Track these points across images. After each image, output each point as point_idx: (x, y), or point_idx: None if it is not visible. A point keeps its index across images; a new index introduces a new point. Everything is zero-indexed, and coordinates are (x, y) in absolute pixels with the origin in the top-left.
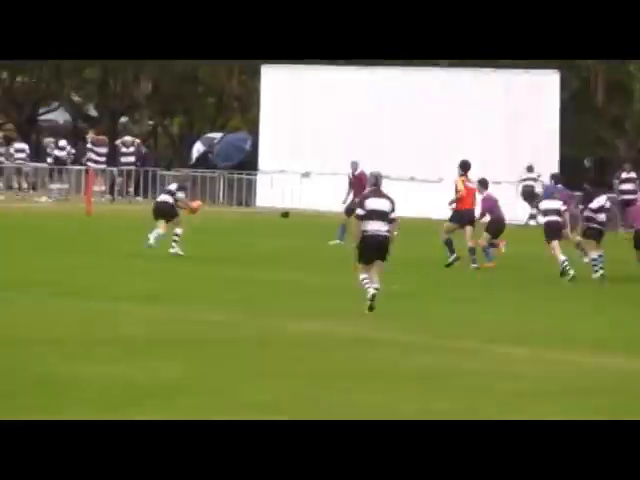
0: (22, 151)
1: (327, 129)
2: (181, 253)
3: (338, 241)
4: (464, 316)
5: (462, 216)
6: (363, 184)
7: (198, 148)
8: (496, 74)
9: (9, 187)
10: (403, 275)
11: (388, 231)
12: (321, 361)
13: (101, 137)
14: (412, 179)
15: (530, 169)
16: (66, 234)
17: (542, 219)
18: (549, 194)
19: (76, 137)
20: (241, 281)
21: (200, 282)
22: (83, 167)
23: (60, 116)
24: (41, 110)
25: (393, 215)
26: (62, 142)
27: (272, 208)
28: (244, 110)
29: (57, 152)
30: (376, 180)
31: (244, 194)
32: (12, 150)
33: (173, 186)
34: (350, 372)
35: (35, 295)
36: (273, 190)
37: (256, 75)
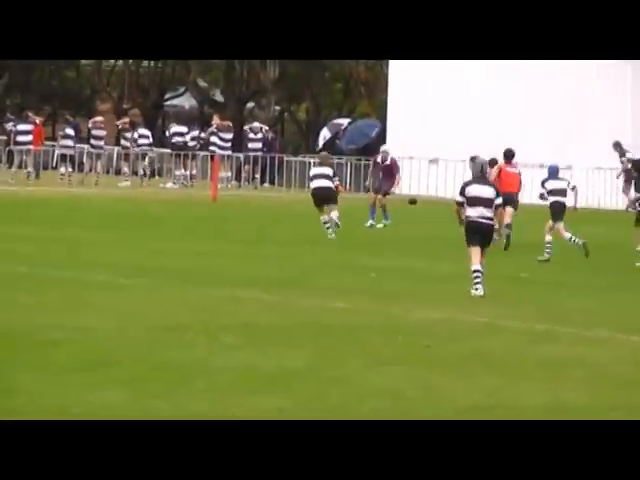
0: (146, 137)
1: (455, 115)
2: (334, 236)
3: (371, 222)
4: (583, 303)
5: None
6: (393, 173)
7: (324, 134)
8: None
9: (134, 173)
10: (520, 260)
11: (491, 218)
12: (446, 349)
13: (226, 123)
14: (541, 166)
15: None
16: (191, 220)
17: None
18: None
19: (202, 122)
20: (367, 268)
21: (325, 269)
22: (209, 153)
23: (186, 101)
24: (167, 95)
25: (497, 201)
26: (176, 128)
27: (399, 194)
28: (371, 95)
29: (173, 139)
30: (482, 168)
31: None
32: (136, 135)
33: (329, 170)
34: (475, 360)
35: (158, 281)
36: (401, 176)
37: (384, 59)
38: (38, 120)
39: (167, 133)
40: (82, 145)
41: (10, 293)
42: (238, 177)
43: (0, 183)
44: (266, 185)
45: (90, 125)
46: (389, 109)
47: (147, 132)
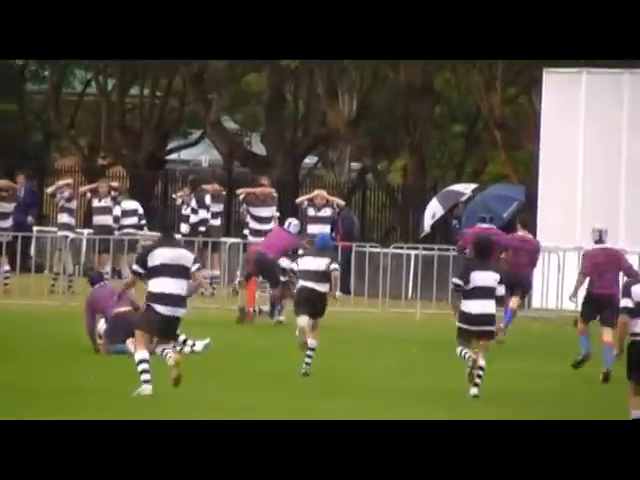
0: (133, 213)
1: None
2: None
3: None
4: None
5: None
6: None
7: (434, 210)
8: None
9: (116, 271)
10: None
11: None
12: None
13: (264, 191)
14: None
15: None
16: (211, 355)
17: None
18: None
19: (230, 189)
20: None
21: None
22: (239, 240)
23: (204, 154)
24: (171, 145)
25: None
26: (207, 198)
27: (552, 311)
28: (512, 146)
29: (193, 215)
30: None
31: None
32: (118, 211)
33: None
34: None
35: None
36: (558, 282)
37: (532, 87)
38: None
39: (184, 206)
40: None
41: None
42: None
43: None
44: (338, 294)
45: (58, 193)
46: (541, 167)
47: (136, 205)
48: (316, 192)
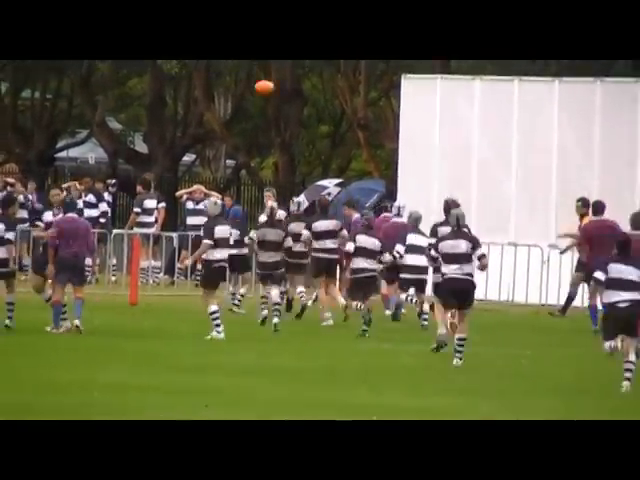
0: (21, 207)
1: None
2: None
3: None
4: None
5: None
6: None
7: (300, 202)
8: None
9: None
10: None
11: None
12: None
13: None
14: None
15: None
16: (93, 338)
17: None
18: None
19: (120, 185)
20: None
21: None
22: (127, 231)
23: (90, 152)
24: (61, 143)
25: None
26: (89, 196)
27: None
28: (374, 145)
29: (90, 209)
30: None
31: None
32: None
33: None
34: None
35: None
36: None
37: (392, 91)
38: None
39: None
40: None
41: None
42: (171, 269)
43: None
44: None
45: None
46: (400, 164)
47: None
48: (195, 187)
